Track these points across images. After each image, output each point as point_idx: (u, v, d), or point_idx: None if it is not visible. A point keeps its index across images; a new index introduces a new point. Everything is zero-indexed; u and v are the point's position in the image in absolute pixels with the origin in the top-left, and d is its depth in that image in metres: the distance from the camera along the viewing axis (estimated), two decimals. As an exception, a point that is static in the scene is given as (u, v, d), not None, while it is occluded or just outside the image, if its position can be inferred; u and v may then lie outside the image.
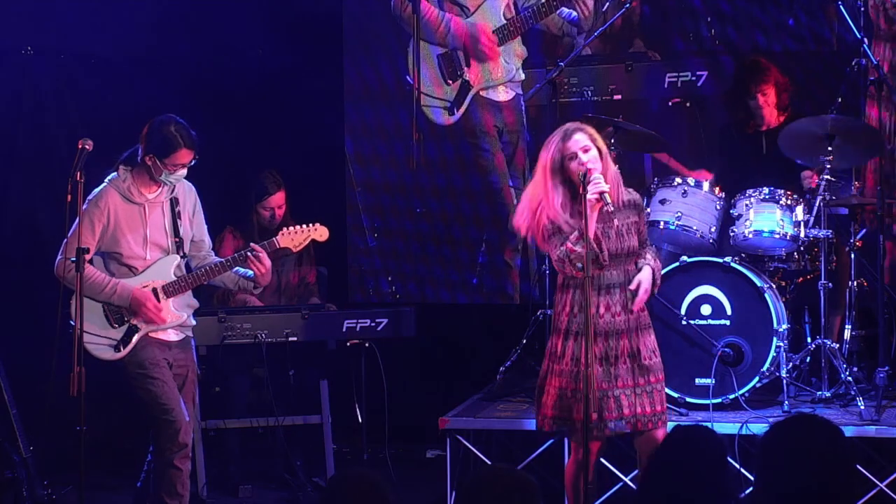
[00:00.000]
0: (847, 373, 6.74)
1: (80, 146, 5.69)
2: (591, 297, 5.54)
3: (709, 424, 6.32)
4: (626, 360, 5.69)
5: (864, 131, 6.97)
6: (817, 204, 6.88)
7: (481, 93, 8.48)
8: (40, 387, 6.49)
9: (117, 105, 8.14)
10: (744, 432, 6.39)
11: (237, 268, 6.15)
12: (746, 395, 6.77)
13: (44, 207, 8.34)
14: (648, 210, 6.86)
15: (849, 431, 6.20)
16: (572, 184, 5.62)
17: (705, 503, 3.67)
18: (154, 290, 6.02)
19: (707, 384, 6.71)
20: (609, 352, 5.68)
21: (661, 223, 7.02)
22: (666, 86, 8.27)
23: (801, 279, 7.26)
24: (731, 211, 7.03)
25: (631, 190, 5.90)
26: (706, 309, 6.84)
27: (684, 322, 6.81)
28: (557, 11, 8.23)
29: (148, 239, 6.03)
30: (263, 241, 6.20)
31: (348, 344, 7.39)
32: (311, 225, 6.24)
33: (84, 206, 5.86)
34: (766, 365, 6.76)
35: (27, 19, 8.23)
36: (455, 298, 8.74)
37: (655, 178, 7.28)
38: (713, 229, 7.07)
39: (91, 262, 5.92)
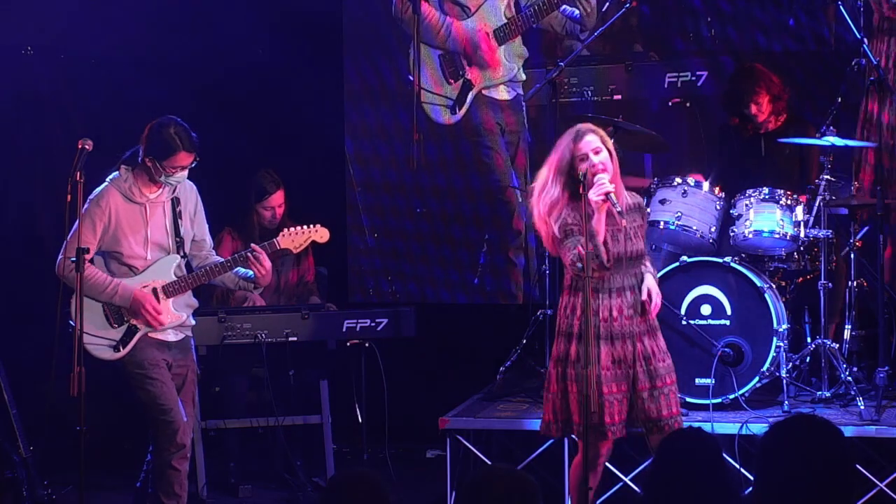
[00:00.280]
0: (847, 373, 6.74)
1: (80, 146, 5.69)
2: (603, 299, 5.58)
3: (709, 424, 6.35)
4: (641, 362, 5.72)
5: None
6: (817, 204, 6.89)
7: (483, 91, 8.49)
8: (40, 387, 6.51)
9: (117, 105, 8.14)
10: (744, 432, 6.39)
11: (237, 268, 6.15)
12: (746, 395, 6.77)
13: (44, 207, 8.35)
14: (648, 210, 6.86)
15: (849, 431, 6.21)
16: (580, 184, 5.64)
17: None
18: (154, 290, 6.02)
19: (707, 384, 6.71)
20: (626, 355, 5.70)
21: (661, 223, 7.02)
22: (666, 86, 8.26)
23: (801, 279, 7.26)
24: (731, 211, 7.03)
25: (634, 193, 5.92)
26: (706, 309, 6.84)
27: (684, 322, 6.81)
28: (560, 9, 8.23)
29: (149, 239, 6.03)
30: (264, 242, 6.20)
31: (348, 344, 7.38)
32: (311, 226, 6.24)
33: (85, 206, 5.86)
34: (766, 365, 6.76)
35: (27, 19, 8.23)
36: (455, 298, 8.74)
37: (655, 178, 7.28)
38: (713, 229, 7.06)
39: (92, 261, 5.93)
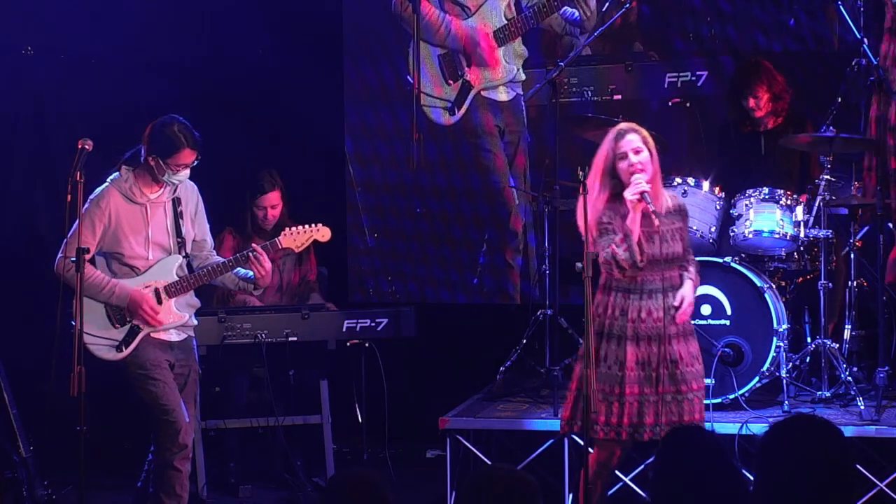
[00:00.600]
0: (847, 373, 6.74)
1: (80, 146, 5.68)
2: (633, 300, 5.62)
3: (709, 424, 6.34)
4: (667, 365, 5.67)
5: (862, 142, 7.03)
6: (817, 204, 6.89)
7: (482, 93, 8.49)
8: (40, 387, 6.51)
9: (117, 105, 8.14)
10: (744, 432, 6.39)
11: (237, 269, 6.15)
12: (746, 395, 6.77)
13: (44, 207, 8.35)
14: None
15: (849, 431, 6.20)
16: (621, 184, 5.63)
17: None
18: (156, 291, 6.02)
19: (707, 384, 6.70)
20: (651, 357, 5.67)
21: (662, 223, 7.01)
22: (666, 86, 8.27)
23: (801, 279, 7.26)
24: (731, 211, 7.03)
25: (676, 195, 5.91)
26: (706, 309, 6.84)
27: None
28: (560, 11, 8.23)
29: (150, 239, 6.03)
30: (266, 242, 6.20)
31: (348, 344, 7.38)
32: (313, 225, 6.25)
33: (85, 206, 5.86)
34: (766, 365, 6.76)
35: (27, 19, 8.23)
36: (455, 298, 8.74)
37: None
38: (713, 229, 7.07)
39: (93, 261, 5.93)
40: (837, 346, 6.87)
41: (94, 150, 5.71)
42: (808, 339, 7.18)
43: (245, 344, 7.10)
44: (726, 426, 6.46)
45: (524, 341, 7.47)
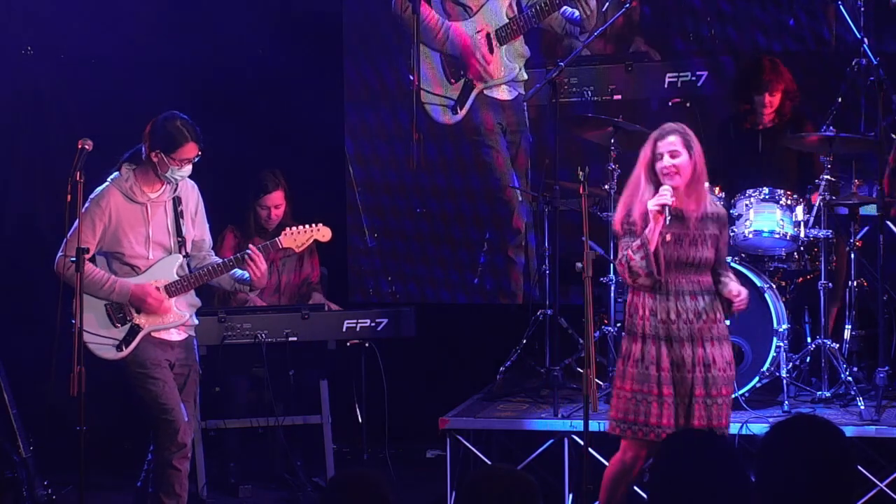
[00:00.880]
0: (847, 373, 6.74)
1: (80, 146, 5.68)
2: (661, 301, 5.60)
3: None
4: (700, 368, 5.64)
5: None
6: (817, 204, 6.89)
7: (484, 91, 8.50)
8: (40, 387, 6.50)
9: (117, 105, 8.13)
10: (744, 432, 6.39)
11: (234, 270, 6.14)
12: (746, 395, 6.77)
13: (44, 207, 8.35)
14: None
15: (849, 431, 6.20)
16: (659, 183, 5.62)
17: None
18: (156, 290, 6.01)
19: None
20: (684, 358, 5.64)
21: (662, 223, 7.01)
22: (666, 86, 8.27)
23: (801, 279, 7.26)
24: (731, 211, 7.02)
25: (718, 203, 5.88)
26: (706, 309, 6.83)
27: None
28: (560, 11, 8.23)
29: (151, 238, 6.02)
30: (266, 242, 6.20)
31: (348, 344, 7.38)
32: (313, 225, 6.24)
33: (85, 206, 5.85)
34: (766, 365, 6.76)
35: (27, 19, 8.23)
36: (455, 298, 8.75)
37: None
38: (713, 229, 7.06)
39: (93, 261, 5.92)
40: (837, 346, 6.87)
41: (94, 150, 5.71)
42: (808, 339, 7.18)
43: (245, 344, 7.10)
44: (726, 426, 6.46)
45: (524, 341, 7.47)
